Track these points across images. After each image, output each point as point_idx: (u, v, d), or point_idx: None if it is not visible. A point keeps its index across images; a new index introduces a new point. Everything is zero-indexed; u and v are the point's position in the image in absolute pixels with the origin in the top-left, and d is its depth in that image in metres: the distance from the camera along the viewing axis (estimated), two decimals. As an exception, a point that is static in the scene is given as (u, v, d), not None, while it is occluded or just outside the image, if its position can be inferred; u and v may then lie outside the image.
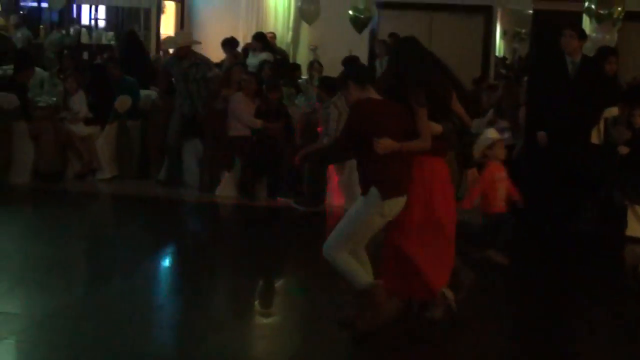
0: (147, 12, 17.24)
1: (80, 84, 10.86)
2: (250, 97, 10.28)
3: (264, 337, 5.98)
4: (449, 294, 5.81)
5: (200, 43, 11.04)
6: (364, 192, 5.55)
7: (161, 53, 15.84)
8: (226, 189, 10.16)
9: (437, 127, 5.67)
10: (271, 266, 7.65)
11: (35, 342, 5.53)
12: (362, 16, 15.01)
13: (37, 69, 12.40)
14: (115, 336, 5.65)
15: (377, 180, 5.46)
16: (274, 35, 16.07)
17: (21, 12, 18.69)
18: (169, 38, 13.81)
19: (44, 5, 18.81)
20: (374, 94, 5.61)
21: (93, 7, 19.61)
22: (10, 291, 6.49)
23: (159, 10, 18.18)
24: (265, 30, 16.76)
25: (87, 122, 10.68)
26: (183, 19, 18.97)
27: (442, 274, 5.79)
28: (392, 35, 14.23)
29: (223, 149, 10.25)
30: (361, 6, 15.14)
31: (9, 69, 11.90)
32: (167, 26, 18.27)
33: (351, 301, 5.78)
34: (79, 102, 10.69)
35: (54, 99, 11.24)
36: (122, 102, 10.88)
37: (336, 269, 5.61)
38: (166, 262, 7.85)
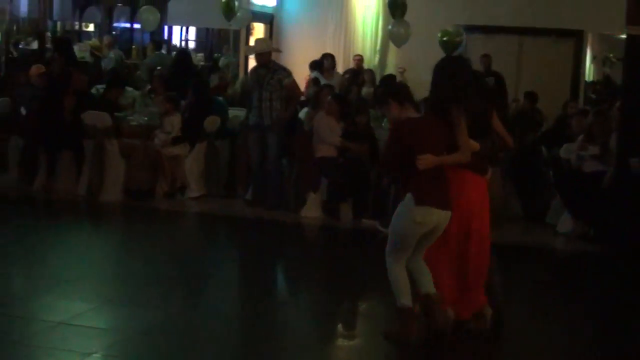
0: (237, 33, 17.45)
1: (176, 106, 11.03)
2: (335, 118, 10.30)
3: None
4: (487, 311, 6.04)
5: (280, 51, 11.06)
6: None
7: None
8: (312, 210, 10.20)
9: (475, 145, 5.78)
10: (355, 288, 7.64)
11: (123, 358, 5.62)
12: (451, 39, 14.94)
13: (129, 89, 12.68)
14: (205, 354, 5.71)
15: (413, 188, 5.65)
16: (361, 58, 16.13)
17: (114, 32, 19.18)
18: (248, 46, 13.95)
19: (136, 26, 19.26)
20: (412, 113, 5.82)
21: (184, 28, 19.99)
22: (102, 307, 6.61)
23: (248, 31, 18.39)
24: (352, 53, 16.88)
25: (175, 140, 10.81)
26: (272, 40, 19.16)
27: (478, 289, 6.01)
28: (485, 56, 14.19)
29: (310, 170, 10.29)
30: (451, 29, 15.10)
31: (102, 88, 12.18)
32: (256, 47, 18.44)
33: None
34: (173, 124, 10.83)
35: (145, 118, 11.45)
36: (211, 122, 11.05)
37: (389, 276, 5.80)
38: (254, 281, 7.91)
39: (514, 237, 9.64)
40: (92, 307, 6.51)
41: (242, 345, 6.05)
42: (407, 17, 15.12)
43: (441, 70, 5.89)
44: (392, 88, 6.21)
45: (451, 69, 5.90)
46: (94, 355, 5.53)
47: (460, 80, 5.82)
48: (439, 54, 15.36)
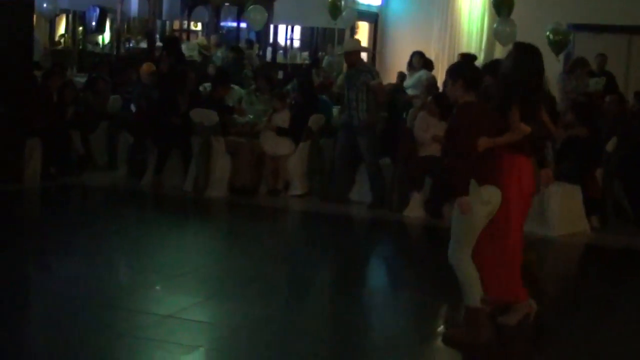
0: (341, 32, 17.52)
1: (285, 103, 11.13)
2: (436, 117, 10.22)
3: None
4: (533, 305, 6.11)
5: (368, 50, 11.03)
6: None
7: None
8: (415, 210, 10.14)
9: (527, 128, 5.97)
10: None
11: (229, 352, 5.70)
12: (560, 38, 14.68)
13: (235, 87, 12.85)
14: (305, 350, 5.75)
15: (457, 166, 5.73)
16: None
17: (220, 32, 19.47)
18: (339, 47, 13.99)
19: (243, 25, 19.51)
20: (473, 97, 5.87)
21: (289, 27, 20.16)
22: (206, 301, 6.72)
23: (353, 30, 18.45)
24: (457, 51, 16.74)
25: (280, 131, 10.89)
26: (376, 39, 19.18)
27: (517, 278, 6.09)
28: (600, 55, 13.92)
29: (413, 169, 10.24)
30: (560, 28, 14.83)
31: (208, 86, 12.37)
32: (360, 46, 18.46)
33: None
34: (284, 120, 10.94)
35: (251, 116, 11.59)
36: (316, 120, 11.12)
37: (457, 275, 5.78)
38: (355, 280, 7.92)
39: (624, 241, 9.43)
40: (197, 302, 6.63)
41: (340, 342, 6.07)
42: (512, 16, 14.93)
43: (522, 57, 6.17)
44: (466, 69, 6.19)
45: (530, 60, 6.18)
46: (200, 348, 5.64)
47: (533, 68, 6.15)
48: (545, 53, 15.11)
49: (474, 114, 5.82)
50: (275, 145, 10.88)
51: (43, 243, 8.28)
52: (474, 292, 5.74)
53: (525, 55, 6.20)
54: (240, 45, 17.54)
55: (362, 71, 10.44)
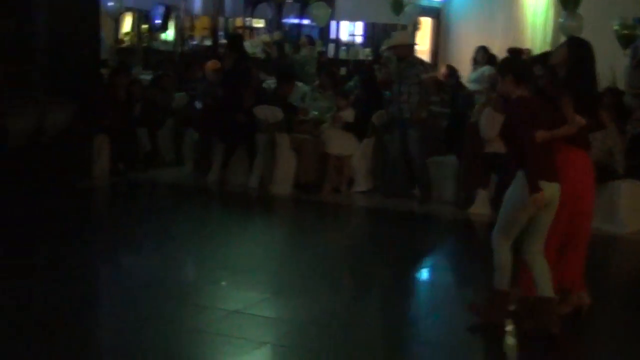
0: (403, 28, 17.45)
1: (348, 101, 11.14)
2: (502, 114, 10.11)
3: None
4: (586, 299, 6.22)
5: (417, 44, 10.95)
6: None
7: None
8: (480, 207, 10.07)
9: (582, 120, 5.91)
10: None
11: (297, 348, 5.72)
12: (627, 32, 14.45)
13: (299, 84, 12.89)
14: (374, 347, 5.76)
15: (525, 163, 5.67)
16: (529, 52, 15.79)
17: (283, 29, 19.55)
18: (387, 40, 13.91)
19: (305, 22, 19.56)
20: (524, 91, 5.86)
21: (351, 23, 20.15)
22: (273, 297, 6.76)
23: (415, 26, 18.37)
24: (522, 46, 16.55)
25: (347, 126, 10.91)
26: (439, 34, 19.08)
27: (579, 268, 6.23)
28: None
29: (479, 166, 10.17)
30: (627, 22, 14.60)
31: (272, 83, 12.43)
32: (423, 42, 18.39)
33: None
34: (348, 119, 10.95)
35: (315, 112, 11.62)
36: (379, 117, 11.09)
37: (494, 257, 5.94)
38: (422, 277, 7.91)
39: None
40: (264, 297, 6.67)
41: (407, 338, 6.06)
42: (579, 9, 14.73)
43: (587, 53, 6.22)
44: (514, 63, 6.20)
45: (585, 52, 6.24)
46: (268, 344, 5.67)
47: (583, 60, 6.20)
48: (612, 47, 14.93)
49: (528, 108, 5.82)
50: (339, 146, 10.87)
51: (113, 238, 8.43)
52: (503, 276, 5.91)
53: (577, 49, 6.24)
54: (299, 42, 17.59)
55: (413, 64, 10.41)
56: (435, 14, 19.01)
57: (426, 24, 19.27)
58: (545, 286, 5.81)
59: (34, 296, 6.34)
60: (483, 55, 14.54)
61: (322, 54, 17.56)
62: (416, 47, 11.68)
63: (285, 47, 17.13)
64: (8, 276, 6.74)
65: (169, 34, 19.41)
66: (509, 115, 5.97)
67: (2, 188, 8.88)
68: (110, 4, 15.45)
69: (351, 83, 13.31)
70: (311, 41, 17.74)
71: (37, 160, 9.32)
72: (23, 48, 9.57)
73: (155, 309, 6.18)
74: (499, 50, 16.15)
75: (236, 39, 15.08)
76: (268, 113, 10.93)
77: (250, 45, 16.78)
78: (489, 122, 10.13)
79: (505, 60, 6.68)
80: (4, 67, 9.28)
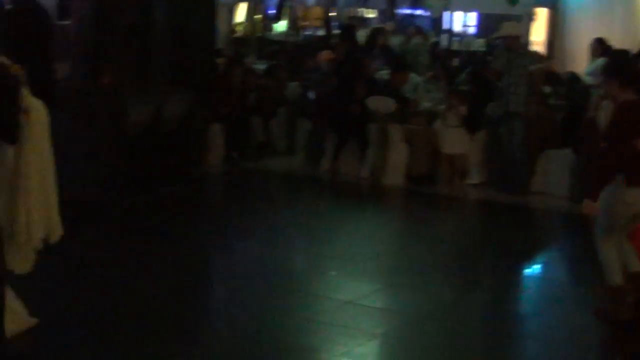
0: (518, 18, 17.16)
1: (462, 98, 11.00)
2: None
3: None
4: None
5: (522, 35, 10.73)
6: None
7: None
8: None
9: None
10: None
11: (409, 340, 5.73)
12: None
13: (412, 75, 12.82)
14: (487, 340, 5.72)
15: (625, 169, 5.63)
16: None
17: (396, 19, 19.50)
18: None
19: (418, 12, 19.47)
20: (631, 95, 5.72)
21: (465, 13, 19.94)
22: (385, 289, 6.79)
23: (530, 16, 18.03)
24: (641, 40, 16.09)
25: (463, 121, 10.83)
26: (555, 25, 18.69)
27: None
28: None
29: (596, 160, 9.92)
30: None
31: (385, 74, 12.40)
32: (538, 33, 18.04)
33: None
34: (462, 114, 10.84)
35: (427, 104, 11.54)
36: (493, 109, 10.93)
37: (598, 255, 5.96)
38: (535, 272, 7.81)
39: None
40: (377, 288, 6.71)
41: (518, 334, 6.00)
42: None
43: None
44: (618, 65, 6.00)
45: None
46: (381, 336, 5.69)
47: None
48: None
49: (632, 113, 5.67)
50: (452, 144, 10.75)
51: (226, 226, 8.57)
52: (612, 272, 5.90)
53: None
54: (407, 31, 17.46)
55: (522, 55, 10.23)
56: (552, 4, 18.60)
57: (542, 14, 18.90)
58: (610, 275, 5.92)
59: (150, 281, 6.50)
60: (597, 48, 14.16)
61: (436, 44, 17.41)
62: (531, 39, 11.49)
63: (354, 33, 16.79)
64: (126, 262, 6.94)
65: (282, 24, 19.57)
66: (612, 120, 5.86)
67: (122, 176, 9.11)
68: (225, -6, 15.67)
69: (463, 75, 13.16)
70: (419, 31, 17.59)
71: (155, 148, 9.53)
72: (143, 40, 9.77)
73: (270, 297, 6.27)
74: (618, 44, 15.76)
75: (349, 29, 15.16)
76: (381, 104, 10.91)
77: (363, 36, 16.74)
78: (608, 115, 9.89)
79: (610, 62, 6.54)
80: (125, 59, 9.50)
